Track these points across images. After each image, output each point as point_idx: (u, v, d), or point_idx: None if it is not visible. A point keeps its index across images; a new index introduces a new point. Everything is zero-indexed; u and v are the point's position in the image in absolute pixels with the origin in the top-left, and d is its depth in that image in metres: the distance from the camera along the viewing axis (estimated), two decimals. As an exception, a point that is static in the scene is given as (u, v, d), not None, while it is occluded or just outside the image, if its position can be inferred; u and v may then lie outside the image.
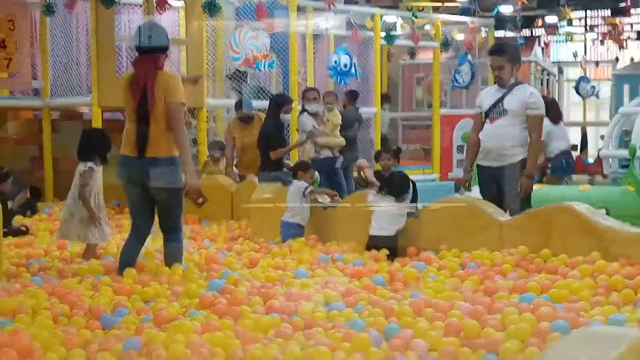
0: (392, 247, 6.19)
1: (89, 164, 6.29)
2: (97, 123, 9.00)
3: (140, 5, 10.06)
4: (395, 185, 6.47)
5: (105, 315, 4.39)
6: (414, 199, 6.43)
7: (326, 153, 9.38)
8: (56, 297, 4.71)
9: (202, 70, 9.87)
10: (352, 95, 11.69)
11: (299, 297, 4.67)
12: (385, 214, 6.34)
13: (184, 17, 10.43)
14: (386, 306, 4.46)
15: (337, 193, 7.50)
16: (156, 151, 5.37)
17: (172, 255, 5.59)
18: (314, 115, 9.30)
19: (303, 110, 9.37)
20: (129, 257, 5.58)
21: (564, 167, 9.96)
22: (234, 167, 9.41)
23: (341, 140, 9.63)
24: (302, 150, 9.69)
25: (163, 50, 5.49)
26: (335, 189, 8.56)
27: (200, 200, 5.44)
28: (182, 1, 9.95)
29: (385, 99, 14.11)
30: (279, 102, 8.38)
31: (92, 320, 4.33)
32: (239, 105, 9.27)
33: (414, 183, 6.51)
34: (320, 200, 7.31)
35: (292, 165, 8.46)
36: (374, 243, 6.23)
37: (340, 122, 9.75)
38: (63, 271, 5.62)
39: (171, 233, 5.60)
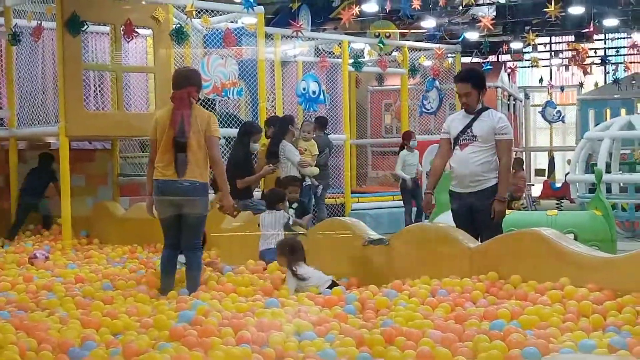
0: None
1: None
2: (64, 153, 8.92)
3: (108, 33, 10.04)
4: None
5: (74, 349, 4.32)
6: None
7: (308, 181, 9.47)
8: (23, 331, 4.63)
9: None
10: (321, 122, 11.73)
11: (270, 327, 4.64)
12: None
13: (151, 45, 10.41)
14: (357, 335, 4.45)
15: (310, 217, 7.60)
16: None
17: (190, 273, 6.21)
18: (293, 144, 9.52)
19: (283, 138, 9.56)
20: (170, 268, 6.28)
21: None
22: None
23: (316, 169, 9.73)
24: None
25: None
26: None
27: (235, 213, 7.09)
28: (150, 29, 9.92)
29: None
30: (248, 131, 8.37)
31: (61, 354, 4.26)
32: None
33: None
34: (294, 229, 7.33)
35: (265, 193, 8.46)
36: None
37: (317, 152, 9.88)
38: (30, 304, 5.54)
39: (191, 251, 6.26)
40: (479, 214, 6.34)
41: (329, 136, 11.82)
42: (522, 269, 5.61)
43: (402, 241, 6.42)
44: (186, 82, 6.15)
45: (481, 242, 6.12)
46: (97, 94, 11.47)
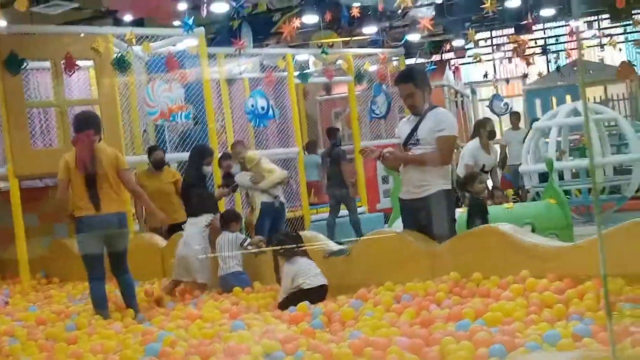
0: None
1: None
2: (15, 194, 8.79)
3: (49, 69, 9.93)
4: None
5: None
6: None
7: (267, 198, 9.41)
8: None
9: (117, 128, 9.75)
10: (331, 132, 12.46)
11: (238, 351, 4.62)
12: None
13: (94, 77, 10.31)
14: (325, 350, 4.44)
15: (263, 238, 7.59)
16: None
17: (130, 292, 6.69)
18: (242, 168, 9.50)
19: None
20: (102, 298, 6.60)
21: None
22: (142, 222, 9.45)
23: (283, 173, 9.65)
24: (250, 199, 9.64)
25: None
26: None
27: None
28: (91, 60, 9.82)
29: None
30: (200, 154, 8.32)
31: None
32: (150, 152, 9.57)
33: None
34: (250, 248, 7.32)
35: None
36: None
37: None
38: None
39: (125, 274, 6.67)
40: (427, 221, 6.06)
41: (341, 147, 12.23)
42: (483, 265, 5.67)
43: (362, 250, 6.45)
44: (85, 125, 6.60)
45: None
46: (43, 130, 11.31)
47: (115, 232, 6.57)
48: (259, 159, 9.59)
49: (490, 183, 9.66)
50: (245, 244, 7.26)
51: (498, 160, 13.25)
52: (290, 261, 6.36)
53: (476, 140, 9.62)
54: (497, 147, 12.56)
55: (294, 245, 6.43)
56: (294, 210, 12.81)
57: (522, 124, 14.95)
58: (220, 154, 10.14)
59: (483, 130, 9.63)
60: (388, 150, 6.24)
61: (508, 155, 13.90)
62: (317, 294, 6.14)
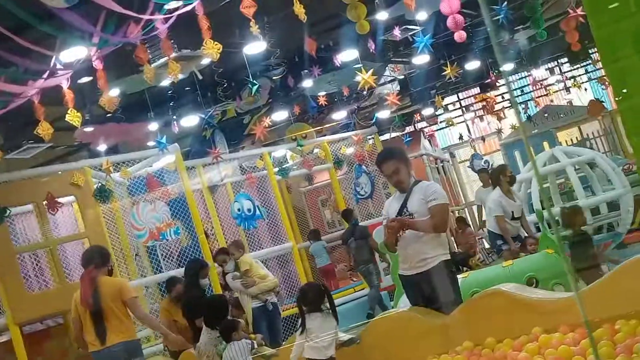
0: None
1: None
2: (18, 341, 8.70)
3: (32, 211, 9.97)
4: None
5: None
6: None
7: (257, 302, 9.38)
8: None
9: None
10: (346, 214, 12.77)
11: None
12: None
13: (78, 210, 10.35)
14: None
15: (262, 336, 7.55)
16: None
17: None
18: (236, 269, 9.46)
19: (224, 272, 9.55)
20: None
21: None
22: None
23: (274, 281, 9.64)
24: (241, 302, 9.61)
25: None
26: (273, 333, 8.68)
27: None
28: (73, 195, 9.88)
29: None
30: (195, 269, 8.32)
31: None
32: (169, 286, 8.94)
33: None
34: (261, 353, 7.23)
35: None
36: None
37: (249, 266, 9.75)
38: None
39: None
40: (433, 293, 6.08)
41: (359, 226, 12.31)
42: (494, 329, 5.62)
43: (371, 335, 6.38)
44: (86, 262, 6.89)
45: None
46: (36, 272, 11.27)
47: None
48: (251, 262, 9.61)
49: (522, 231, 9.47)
50: (255, 348, 7.16)
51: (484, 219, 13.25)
52: (311, 316, 6.23)
53: (498, 190, 9.46)
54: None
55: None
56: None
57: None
58: (215, 251, 10.19)
59: (503, 177, 9.49)
60: (391, 219, 6.24)
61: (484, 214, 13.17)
62: None
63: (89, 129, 11.96)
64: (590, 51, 17.52)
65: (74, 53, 7.60)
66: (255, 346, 7.14)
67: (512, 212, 9.38)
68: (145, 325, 7.35)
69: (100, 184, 9.87)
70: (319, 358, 6.18)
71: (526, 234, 9.49)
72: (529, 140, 17.46)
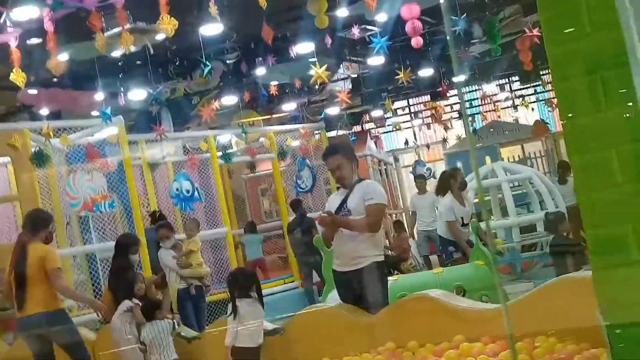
0: None
1: None
2: None
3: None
4: None
5: None
6: None
7: (183, 284, 9.33)
8: None
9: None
10: (294, 205, 12.79)
11: None
12: None
13: (13, 173, 10.13)
14: None
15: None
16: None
17: None
18: (173, 247, 9.36)
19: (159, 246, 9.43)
20: None
21: None
22: None
23: (206, 270, 9.62)
24: (168, 284, 9.54)
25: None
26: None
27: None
28: (9, 157, 9.67)
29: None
30: (126, 243, 8.21)
31: None
32: None
33: None
34: (183, 334, 7.19)
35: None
36: None
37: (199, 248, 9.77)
38: None
39: None
40: (362, 292, 6.08)
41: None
42: (418, 333, 5.67)
43: (296, 327, 6.39)
44: (23, 226, 6.96)
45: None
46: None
47: (42, 332, 6.56)
48: (199, 247, 9.61)
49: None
50: (178, 328, 7.11)
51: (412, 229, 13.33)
52: (241, 301, 6.30)
53: (449, 195, 9.40)
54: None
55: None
56: (226, 291, 12.65)
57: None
58: (159, 223, 10.09)
59: (454, 181, 9.39)
60: (326, 211, 6.25)
61: (417, 220, 13.24)
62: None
63: (32, 91, 11.71)
64: (541, 72, 17.83)
65: (26, 12, 7.44)
66: (177, 326, 7.10)
67: (462, 217, 9.38)
68: (66, 297, 7.13)
69: (38, 148, 9.67)
70: (250, 345, 6.18)
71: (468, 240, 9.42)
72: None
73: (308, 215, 13.14)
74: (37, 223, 6.92)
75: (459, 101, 20.71)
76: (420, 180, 13.94)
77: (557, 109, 20.14)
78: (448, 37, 10.52)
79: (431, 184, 16.26)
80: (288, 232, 13.15)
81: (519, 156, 20.16)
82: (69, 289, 7.10)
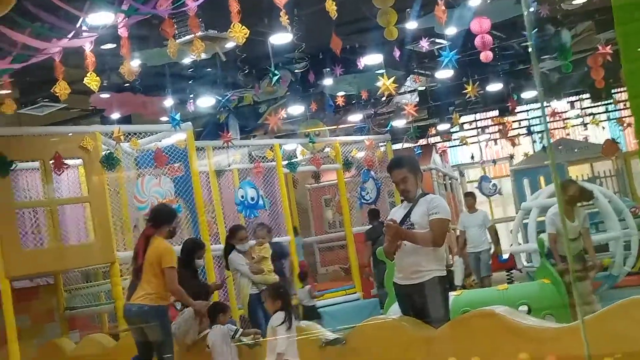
0: None
1: None
2: (7, 295, 8.68)
3: (38, 169, 9.96)
4: None
5: None
6: None
7: (254, 289, 9.40)
8: None
9: (108, 224, 9.73)
10: (373, 214, 12.85)
11: None
12: None
13: (84, 175, 10.34)
14: None
15: (259, 331, 7.51)
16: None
17: None
18: (244, 253, 9.45)
19: (232, 248, 9.48)
20: None
21: None
22: None
23: (275, 277, 9.64)
24: (239, 288, 9.64)
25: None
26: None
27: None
28: (80, 159, 9.87)
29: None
30: (191, 249, 8.33)
31: None
32: None
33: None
34: (244, 339, 7.24)
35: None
36: None
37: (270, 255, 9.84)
38: None
39: None
40: (423, 306, 6.03)
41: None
42: (481, 350, 5.60)
43: (358, 338, 6.37)
44: (149, 220, 7.35)
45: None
46: (34, 230, 11.27)
47: (136, 321, 6.96)
48: (270, 254, 9.69)
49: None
50: (238, 335, 7.17)
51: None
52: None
53: (556, 207, 9.17)
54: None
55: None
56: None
57: (512, 204, 14.57)
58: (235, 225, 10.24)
59: (563, 194, 9.19)
60: (391, 219, 6.22)
61: (467, 240, 12.69)
62: None
63: (105, 95, 11.94)
64: (613, 91, 17.46)
65: (102, 17, 7.59)
66: (239, 333, 7.15)
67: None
68: (175, 297, 7.35)
69: (108, 151, 9.85)
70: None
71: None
72: (540, 170, 17.44)
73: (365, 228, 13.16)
74: (161, 217, 7.25)
75: (527, 117, 20.41)
76: (469, 197, 13.41)
77: (629, 128, 19.81)
78: (530, 50, 10.31)
79: (498, 200, 16.07)
80: (366, 239, 13.05)
81: (587, 175, 19.78)
82: (180, 290, 7.12)
